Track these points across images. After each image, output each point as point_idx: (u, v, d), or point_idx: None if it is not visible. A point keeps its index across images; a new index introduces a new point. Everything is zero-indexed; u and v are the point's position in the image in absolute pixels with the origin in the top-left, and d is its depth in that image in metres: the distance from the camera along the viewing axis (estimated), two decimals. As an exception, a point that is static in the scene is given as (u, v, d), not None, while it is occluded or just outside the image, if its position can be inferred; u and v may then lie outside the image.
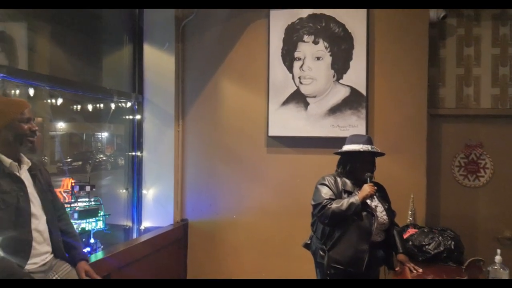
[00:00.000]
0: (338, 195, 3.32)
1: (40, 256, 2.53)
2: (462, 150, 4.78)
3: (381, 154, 3.48)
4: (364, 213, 3.24)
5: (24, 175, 2.56)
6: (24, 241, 2.42)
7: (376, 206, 3.34)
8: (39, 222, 2.54)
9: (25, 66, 3.98)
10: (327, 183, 3.37)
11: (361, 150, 3.36)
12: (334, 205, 3.21)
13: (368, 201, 3.27)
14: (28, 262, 2.44)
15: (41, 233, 2.55)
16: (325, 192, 3.31)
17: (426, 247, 3.70)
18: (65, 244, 2.75)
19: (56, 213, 2.76)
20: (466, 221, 4.67)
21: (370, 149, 3.37)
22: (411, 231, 3.96)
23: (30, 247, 2.44)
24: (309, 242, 3.57)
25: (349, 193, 3.31)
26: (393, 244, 3.43)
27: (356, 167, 3.40)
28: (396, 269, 3.42)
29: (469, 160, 4.77)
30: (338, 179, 3.40)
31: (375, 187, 3.31)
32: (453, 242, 3.69)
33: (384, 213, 3.35)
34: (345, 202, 3.20)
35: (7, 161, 2.47)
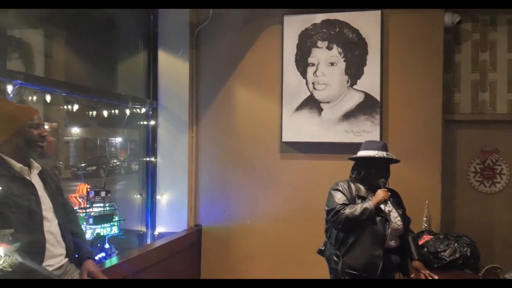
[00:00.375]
0: (351, 201, 3.30)
1: (55, 258, 2.54)
2: (478, 155, 4.73)
3: (396, 161, 3.45)
4: (378, 218, 3.22)
5: (35, 179, 2.59)
6: (38, 243, 2.44)
7: (390, 212, 3.32)
8: (51, 225, 2.56)
9: (41, 73, 4.03)
10: (340, 188, 3.36)
11: (377, 156, 3.35)
12: (347, 210, 3.20)
13: (382, 206, 3.25)
14: (44, 264, 2.45)
15: (54, 235, 2.56)
16: (339, 198, 3.31)
17: (442, 253, 3.66)
18: (74, 243, 2.77)
19: (67, 217, 2.78)
20: (482, 227, 4.61)
21: (385, 155, 3.36)
22: (426, 237, 3.92)
23: (44, 249, 2.46)
24: (323, 248, 3.56)
25: (363, 199, 3.30)
26: (408, 250, 3.40)
27: (370, 173, 3.38)
28: (412, 276, 3.40)
29: (485, 166, 4.72)
30: (352, 184, 3.39)
31: (389, 193, 3.28)
32: (469, 249, 3.65)
33: (399, 218, 3.33)
34: (358, 207, 3.19)
35: (17, 165, 2.51)
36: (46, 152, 2.62)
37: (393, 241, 3.30)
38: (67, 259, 2.64)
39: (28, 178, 2.54)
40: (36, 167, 2.64)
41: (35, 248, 2.42)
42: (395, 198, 3.48)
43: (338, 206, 3.25)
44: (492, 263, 3.48)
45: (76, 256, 2.75)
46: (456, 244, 3.69)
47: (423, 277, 3.25)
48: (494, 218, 4.67)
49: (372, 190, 3.35)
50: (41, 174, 2.65)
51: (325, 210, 3.37)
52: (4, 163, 2.48)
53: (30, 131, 2.52)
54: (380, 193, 3.23)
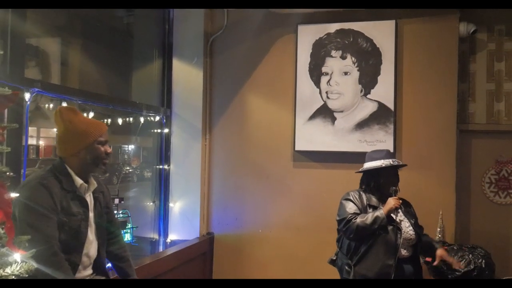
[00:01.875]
0: (363, 210, 3.30)
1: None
2: (493, 166, 4.69)
3: (403, 165, 3.46)
4: (390, 228, 3.21)
5: (88, 197, 2.56)
6: (73, 264, 2.41)
7: (401, 221, 3.31)
8: (91, 247, 2.54)
9: (57, 81, 4.08)
10: (351, 198, 3.36)
11: (383, 165, 3.34)
12: (359, 220, 3.19)
13: (393, 215, 3.23)
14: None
15: (90, 258, 2.55)
16: (350, 207, 3.30)
17: (456, 265, 3.63)
18: (118, 270, 2.74)
19: (108, 236, 2.73)
20: (497, 239, 4.56)
21: (392, 163, 3.35)
22: (441, 248, 3.89)
23: (75, 271, 2.43)
24: (334, 258, 3.55)
25: (374, 208, 3.29)
26: (427, 245, 3.40)
27: (380, 183, 3.38)
28: (435, 263, 3.36)
29: (500, 176, 4.68)
30: (363, 194, 3.39)
31: (400, 200, 3.27)
32: (483, 261, 3.62)
33: (411, 228, 3.31)
34: (370, 216, 3.19)
35: (79, 181, 2.48)
36: (107, 169, 2.61)
37: (405, 251, 3.28)
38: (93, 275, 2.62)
39: (85, 197, 2.51)
40: (93, 184, 2.61)
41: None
42: (407, 208, 3.47)
43: (350, 215, 3.24)
44: (507, 275, 3.45)
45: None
46: (470, 256, 3.66)
47: (452, 262, 3.27)
48: (509, 229, 4.62)
49: (383, 199, 3.34)
50: (94, 192, 2.62)
51: (336, 220, 3.36)
52: (68, 176, 2.46)
53: (98, 148, 2.51)
54: (391, 201, 3.22)
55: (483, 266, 3.59)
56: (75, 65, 4.53)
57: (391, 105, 4.51)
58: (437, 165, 4.42)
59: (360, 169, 3.48)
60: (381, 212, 3.19)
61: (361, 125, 4.59)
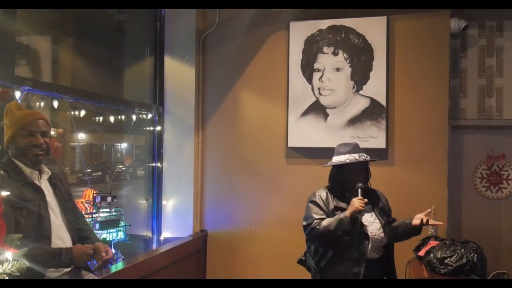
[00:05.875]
0: (329, 213, 3.14)
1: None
2: (484, 161, 4.72)
3: (371, 160, 3.25)
4: (357, 232, 3.05)
5: (44, 184, 2.61)
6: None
7: (371, 223, 3.16)
8: (60, 230, 2.57)
9: (49, 79, 4.06)
10: (317, 200, 3.19)
11: (347, 161, 3.16)
12: (322, 225, 3.04)
13: (362, 218, 3.09)
14: (52, 269, 2.46)
15: (63, 240, 2.57)
16: (315, 212, 3.14)
17: (448, 259, 3.63)
18: (80, 238, 2.75)
19: (75, 222, 2.78)
20: (489, 233, 4.59)
21: (357, 158, 3.16)
22: (433, 243, 3.90)
23: None
24: (303, 258, 3.43)
25: (342, 210, 3.10)
26: (401, 225, 3.23)
27: (346, 180, 3.20)
28: (414, 222, 3.17)
29: (492, 171, 4.71)
30: (330, 195, 3.22)
31: (365, 200, 3.04)
32: (475, 255, 3.63)
33: (381, 230, 3.16)
34: (334, 221, 3.02)
35: (28, 170, 2.54)
36: (40, 160, 2.60)
37: (375, 252, 3.16)
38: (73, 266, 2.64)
39: (37, 183, 2.56)
40: (46, 172, 2.66)
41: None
42: (378, 203, 3.31)
43: (314, 221, 3.08)
44: (499, 269, 3.47)
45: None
46: (462, 250, 3.66)
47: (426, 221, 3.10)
48: (501, 223, 4.65)
49: (350, 198, 3.11)
50: (50, 179, 2.67)
51: (302, 225, 3.22)
52: (16, 167, 2.52)
53: (21, 139, 2.53)
54: (355, 202, 3.00)
55: (475, 260, 3.60)
56: (66, 63, 4.51)
57: (383, 101, 4.52)
58: (429, 160, 4.44)
59: (326, 164, 3.34)
60: (345, 215, 3.00)
61: (354, 121, 4.60)
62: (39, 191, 2.53)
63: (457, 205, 4.69)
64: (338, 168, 3.24)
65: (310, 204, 3.22)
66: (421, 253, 3.88)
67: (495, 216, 4.66)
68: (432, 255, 3.73)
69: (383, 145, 4.47)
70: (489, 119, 4.65)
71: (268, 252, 4.86)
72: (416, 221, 3.16)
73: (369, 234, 3.11)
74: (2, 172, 2.46)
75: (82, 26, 4.45)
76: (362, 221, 3.13)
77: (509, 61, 4.62)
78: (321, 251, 3.18)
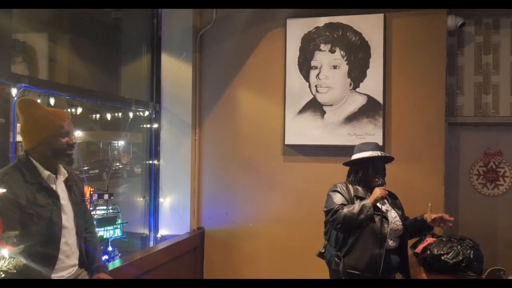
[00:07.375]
0: (350, 201, 3.31)
1: (67, 270, 2.53)
2: (481, 158, 4.73)
3: (391, 159, 3.48)
4: (377, 218, 3.23)
5: (60, 186, 2.56)
6: (51, 256, 2.42)
7: (388, 211, 3.33)
8: (70, 235, 2.54)
9: (45, 76, 4.05)
10: (339, 189, 3.38)
11: (372, 155, 3.37)
12: (345, 209, 3.20)
13: (379, 205, 3.25)
14: (55, 275, 2.44)
15: (71, 247, 2.55)
16: (337, 199, 3.31)
17: (445, 256, 3.66)
18: (86, 252, 2.73)
19: (85, 230, 2.76)
20: (485, 230, 4.61)
21: (380, 154, 3.39)
22: (429, 240, 3.92)
23: (55, 262, 2.44)
24: (323, 251, 3.55)
25: (361, 199, 3.30)
26: (414, 223, 3.40)
27: (368, 173, 3.39)
28: (425, 216, 3.34)
29: (488, 168, 4.72)
30: (350, 186, 3.41)
31: (386, 190, 3.30)
32: (472, 251, 3.65)
33: (398, 219, 3.33)
34: (356, 206, 3.20)
35: (45, 173, 2.47)
36: (73, 160, 2.58)
37: (392, 241, 3.29)
38: (77, 267, 2.63)
39: (53, 187, 2.50)
40: (63, 173, 2.61)
41: (46, 259, 2.40)
42: (394, 200, 3.49)
43: (337, 206, 3.25)
44: (495, 265, 3.48)
45: (89, 266, 2.72)
46: (459, 247, 3.68)
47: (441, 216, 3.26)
48: (497, 220, 4.67)
49: (370, 191, 3.35)
50: (66, 181, 2.62)
51: (324, 211, 3.37)
52: (33, 169, 2.45)
53: (58, 140, 2.48)
54: (377, 191, 3.24)
55: (472, 257, 3.61)
56: (63, 60, 4.50)
57: (380, 99, 4.53)
58: (426, 157, 4.45)
59: (349, 160, 3.49)
60: (367, 201, 3.20)
61: (351, 118, 4.60)
62: (53, 195, 2.48)
63: (454, 202, 4.71)
64: (361, 163, 3.42)
65: (331, 193, 3.40)
66: (418, 250, 3.89)
67: (492, 213, 4.68)
68: (428, 252, 3.74)
69: (380, 143, 4.46)
70: (486, 116, 4.67)
71: (265, 250, 4.86)
72: (426, 216, 3.33)
73: (387, 218, 3.27)
74: (15, 173, 2.39)
75: (78, 24, 4.44)
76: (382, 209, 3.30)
77: (506, 58, 4.63)
78: (341, 238, 3.31)
